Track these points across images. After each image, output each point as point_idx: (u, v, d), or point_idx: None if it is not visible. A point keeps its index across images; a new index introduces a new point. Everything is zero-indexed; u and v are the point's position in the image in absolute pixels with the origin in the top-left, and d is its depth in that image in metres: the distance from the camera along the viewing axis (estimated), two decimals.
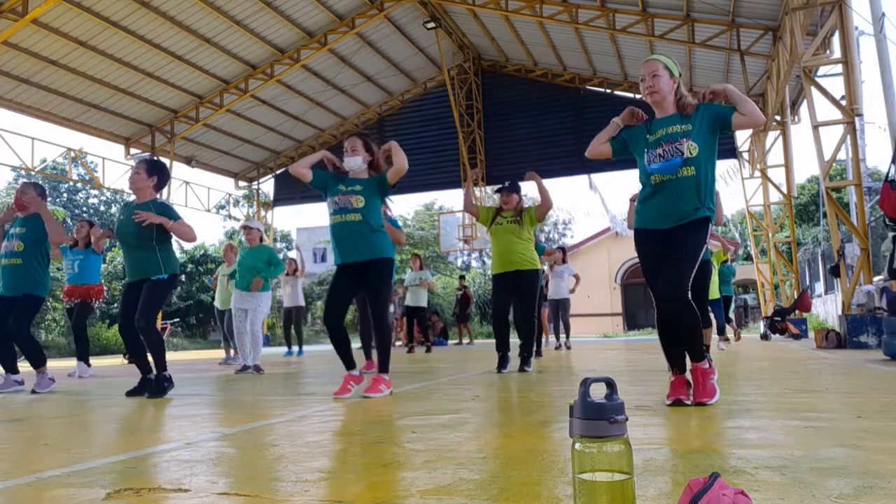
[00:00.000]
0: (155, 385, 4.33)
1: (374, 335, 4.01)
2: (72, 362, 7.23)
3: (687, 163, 2.99)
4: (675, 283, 2.99)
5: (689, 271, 3.02)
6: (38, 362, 5.06)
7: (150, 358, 4.45)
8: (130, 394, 4.40)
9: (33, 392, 4.91)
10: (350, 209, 3.92)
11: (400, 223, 7.30)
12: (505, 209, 5.70)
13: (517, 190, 5.77)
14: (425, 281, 11.78)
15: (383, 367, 4.00)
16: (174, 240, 4.56)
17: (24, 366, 5.37)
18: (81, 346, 7.06)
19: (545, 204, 5.63)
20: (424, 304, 11.89)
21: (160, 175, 4.59)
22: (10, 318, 5.02)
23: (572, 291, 10.49)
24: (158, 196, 4.62)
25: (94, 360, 7.01)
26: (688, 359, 3.14)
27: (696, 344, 3.09)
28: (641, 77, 3.14)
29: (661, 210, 3.07)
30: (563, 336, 10.31)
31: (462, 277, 19.86)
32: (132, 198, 4.65)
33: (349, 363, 3.99)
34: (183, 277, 24.76)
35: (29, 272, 5.06)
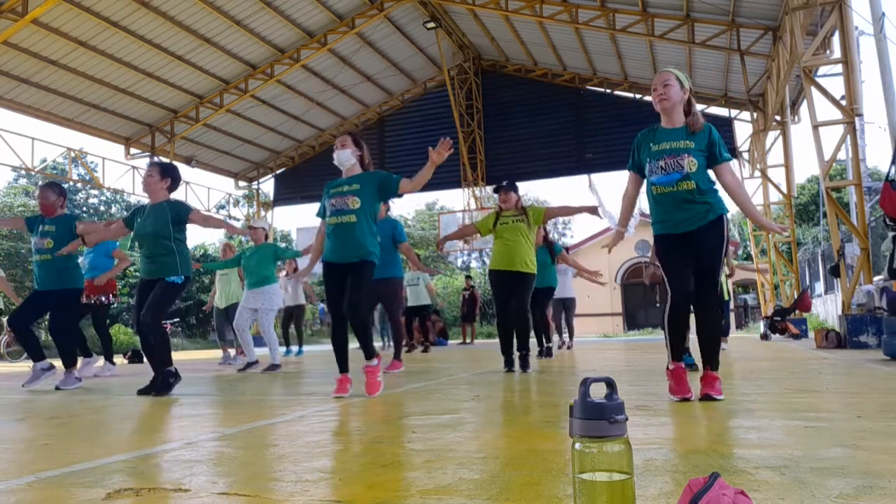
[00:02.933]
0: (161, 381, 4.36)
1: (351, 327, 3.98)
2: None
3: (687, 177, 3.14)
4: (711, 292, 3.21)
5: (719, 278, 3.28)
6: (70, 362, 5.20)
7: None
8: (142, 392, 4.42)
9: (57, 389, 5.02)
10: (346, 210, 3.89)
11: (401, 223, 7.31)
12: (504, 208, 5.59)
13: (515, 188, 5.67)
14: (429, 283, 11.75)
15: (368, 355, 4.01)
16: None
17: (23, 364, 5.40)
18: (105, 345, 7.20)
19: (564, 213, 5.84)
20: (427, 301, 11.83)
21: (173, 177, 4.70)
22: (35, 311, 5.22)
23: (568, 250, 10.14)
24: (171, 196, 4.71)
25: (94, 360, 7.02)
26: (698, 364, 3.32)
27: (716, 353, 3.28)
28: (653, 86, 3.27)
29: (673, 219, 3.21)
30: (565, 335, 10.28)
31: (468, 277, 19.81)
32: (136, 199, 4.73)
33: (344, 366, 3.98)
34: None
35: (59, 267, 5.17)
